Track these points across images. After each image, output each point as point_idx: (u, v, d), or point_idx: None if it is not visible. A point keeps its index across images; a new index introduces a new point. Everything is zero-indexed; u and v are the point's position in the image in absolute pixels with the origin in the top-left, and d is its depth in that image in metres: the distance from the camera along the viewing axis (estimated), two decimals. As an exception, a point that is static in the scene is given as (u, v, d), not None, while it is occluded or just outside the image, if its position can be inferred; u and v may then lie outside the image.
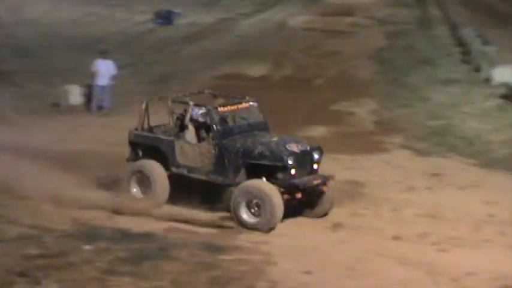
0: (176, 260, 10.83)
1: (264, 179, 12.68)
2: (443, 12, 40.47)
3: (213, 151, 13.06)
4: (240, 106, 13.70)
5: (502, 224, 12.88)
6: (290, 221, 12.88)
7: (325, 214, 13.20)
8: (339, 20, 38.87)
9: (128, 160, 14.03)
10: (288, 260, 11.10)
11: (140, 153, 13.88)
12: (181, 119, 13.73)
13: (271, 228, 12.33)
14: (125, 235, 11.83)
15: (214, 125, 13.14)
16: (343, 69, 27.91)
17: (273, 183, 12.58)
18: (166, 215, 12.94)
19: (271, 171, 12.77)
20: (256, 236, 12.17)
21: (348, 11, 41.31)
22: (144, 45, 31.98)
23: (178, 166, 13.44)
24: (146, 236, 11.86)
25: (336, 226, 12.90)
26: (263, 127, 13.73)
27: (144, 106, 13.87)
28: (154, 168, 13.46)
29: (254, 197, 12.40)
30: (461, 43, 31.53)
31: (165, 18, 37.59)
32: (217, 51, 31.03)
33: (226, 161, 12.98)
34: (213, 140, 13.13)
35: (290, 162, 12.65)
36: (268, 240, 12.02)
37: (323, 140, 18.67)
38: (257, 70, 27.49)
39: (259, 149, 12.82)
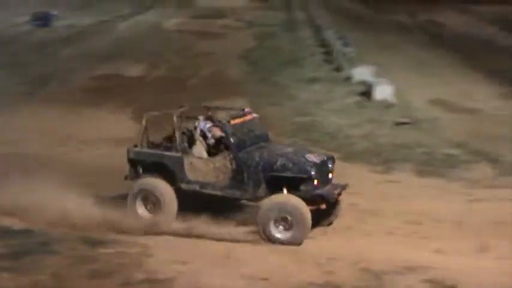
0: (56, 254, 10.61)
1: (285, 191, 11.76)
2: (307, 16, 41.17)
3: (230, 165, 12.03)
4: (246, 118, 12.74)
5: (363, 212, 13.19)
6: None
7: (331, 223, 12.54)
8: (211, 23, 39.05)
9: (127, 179, 12.78)
10: (164, 251, 11.02)
11: (140, 171, 12.69)
12: (187, 134, 12.67)
13: (302, 241, 11.61)
14: (5, 232, 11.50)
15: (230, 139, 12.12)
16: (216, 69, 28.02)
17: (297, 195, 11.69)
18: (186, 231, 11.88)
19: (293, 183, 11.82)
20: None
21: (219, 14, 41.59)
22: (22, 46, 31.25)
23: (188, 182, 12.29)
24: (27, 232, 11.55)
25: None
26: (266, 138, 12.85)
27: (143, 122, 12.70)
28: (162, 186, 12.33)
29: (284, 213, 11.45)
30: (324, 44, 32.15)
31: (43, 20, 36.81)
32: (96, 52, 30.67)
33: (245, 174, 11.97)
34: (229, 154, 12.10)
35: (313, 173, 11.79)
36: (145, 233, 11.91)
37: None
38: (134, 70, 27.32)
39: (281, 161, 11.91)
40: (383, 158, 17.17)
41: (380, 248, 11.26)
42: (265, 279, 10.03)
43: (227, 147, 12.18)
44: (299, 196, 11.63)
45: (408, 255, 10.85)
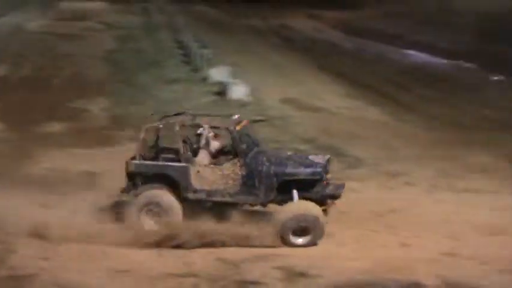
0: None
1: (296, 193, 11.43)
2: (166, 19, 41.04)
3: (240, 172, 11.56)
4: (242, 125, 12.17)
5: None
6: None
7: None
8: (73, 25, 38.29)
9: (124, 192, 11.96)
10: (28, 247, 10.71)
11: (139, 184, 11.76)
12: (189, 143, 12.05)
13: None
14: None
15: (241, 146, 11.68)
16: (78, 70, 27.46)
17: (307, 197, 11.43)
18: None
19: (303, 185, 11.53)
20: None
21: (81, 16, 40.86)
22: None
23: (195, 191, 11.61)
24: None
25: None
26: (258, 143, 12.35)
27: (142, 134, 11.85)
28: (168, 197, 11.57)
29: (303, 223, 11.07)
30: (182, 47, 32.12)
31: None
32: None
33: (256, 180, 11.53)
34: (239, 160, 11.60)
35: (324, 174, 11.64)
36: (7, 229, 11.34)
37: (61, 135, 18.38)
38: (-4, 71, 26.49)
39: (292, 165, 11.65)
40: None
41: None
42: (126, 271, 9.95)
43: (235, 154, 11.71)
44: (310, 198, 11.42)
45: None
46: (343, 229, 11.76)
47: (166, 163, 11.72)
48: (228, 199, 11.61)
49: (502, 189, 14.48)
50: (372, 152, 17.38)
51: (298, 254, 10.62)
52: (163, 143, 11.86)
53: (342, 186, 12.06)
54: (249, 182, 11.53)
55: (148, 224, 11.50)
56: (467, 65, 31.76)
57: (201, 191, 11.58)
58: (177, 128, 11.73)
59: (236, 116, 12.52)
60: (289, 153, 12.52)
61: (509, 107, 23.44)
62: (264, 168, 11.54)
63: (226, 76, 24.47)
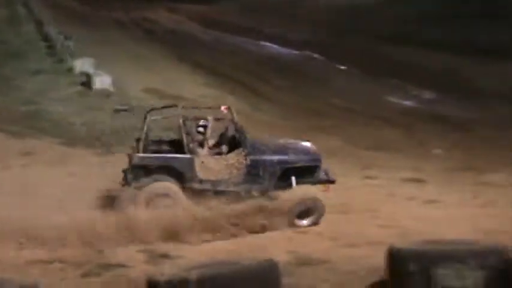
0: None
1: (294, 180, 11.42)
2: (29, 11, 39.74)
3: (245, 161, 11.39)
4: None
5: (81, 191, 12.72)
6: None
7: None
8: None
9: (126, 185, 11.42)
10: None
11: (142, 176, 11.31)
12: (191, 133, 11.62)
13: None
14: None
15: (244, 137, 11.57)
16: None
17: (307, 182, 11.48)
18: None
19: (301, 171, 11.58)
20: None
21: None
22: None
23: (200, 182, 11.33)
24: None
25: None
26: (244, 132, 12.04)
27: (144, 128, 11.57)
28: (175, 188, 11.18)
29: (308, 206, 11.18)
30: (46, 38, 31.23)
31: None
32: None
33: (260, 169, 11.45)
34: (244, 150, 11.43)
35: (321, 159, 11.82)
36: None
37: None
38: None
39: (292, 153, 11.72)
40: (103, 142, 17.11)
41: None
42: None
43: (239, 145, 11.51)
44: (310, 183, 11.48)
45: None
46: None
47: (171, 155, 11.49)
48: (232, 188, 11.46)
49: (350, 172, 14.96)
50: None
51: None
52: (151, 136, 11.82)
53: (329, 170, 12.17)
54: (253, 171, 11.47)
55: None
56: (315, 55, 32.55)
57: (206, 181, 11.38)
58: (181, 120, 11.51)
59: (223, 107, 12.13)
60: (282, 140, 12.47)
61: (354, 95, 24.25)
62: (268, 157, 11.54)
63: (90, 67, 24.05)
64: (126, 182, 11.54)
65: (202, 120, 11.91)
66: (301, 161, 11.77)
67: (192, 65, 28.54)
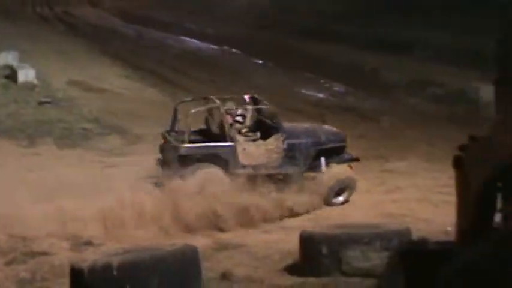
0: None
1: (324, 160, 11.81)
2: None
3: (282, 145, 11.72)
4: None
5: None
6: None
7: None
8: None
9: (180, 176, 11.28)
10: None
11: (188, 165, 11.42)
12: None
13: None
14: None
15: (280, 123, 11.98)
16: None
17: (335, 162, 11.83)
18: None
19: (330, 152, 11.97)
20: None
21: None
22: None
23: (243, 167, 11.56)
24: None
25: None
26: None
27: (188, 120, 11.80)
28: (221, 174, 11.40)
29: (343, 184, 11.70)
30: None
31: None
32: None
33: (296, 152, 11.77)
34: (282, 135, 11.79)
35: (346, 140, 12.37)
36: None
37: None
38: None
39: (324, 135, 12.19)
40: (27, 134, 16.72)
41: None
42: None
43: (276, 130, 11.86)
44: (338, 162, 11.83)
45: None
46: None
47: (215, 144, 11.66)
48: (272, 171, 11.76)
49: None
50: (151, 129, 17.33)
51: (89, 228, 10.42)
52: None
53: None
54: (290, 153, 11.79)
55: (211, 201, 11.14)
56: (233, 50, 32.55)
57: (248, 166, 11.63)
58: (223, 110, 11.74)
59: (247, 96, 12.61)
60: (307, 124, 12.85)
61: (270, 88, 24.35)
62: (303, 140, 11.91)
63: (14, 60, 23.37)
64: (168, 172, 11.52)
65: (239, 110, 12.28)
66: (331, 142, 12.21)
67: (114, 59, 28.08)
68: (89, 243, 9.84)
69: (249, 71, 27.83)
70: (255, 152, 11.81)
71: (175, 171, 11.42)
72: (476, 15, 26.18)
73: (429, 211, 11.22)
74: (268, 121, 12.11)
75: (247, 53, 31.40)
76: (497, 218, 4.16)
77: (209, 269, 8.40)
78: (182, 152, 11.60)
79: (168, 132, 12.15)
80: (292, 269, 8.44)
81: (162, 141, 12.32)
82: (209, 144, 11.76)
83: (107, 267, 7.29)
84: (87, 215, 10.38)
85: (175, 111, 12.36)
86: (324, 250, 7.92)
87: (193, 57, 30.46)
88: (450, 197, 4.45)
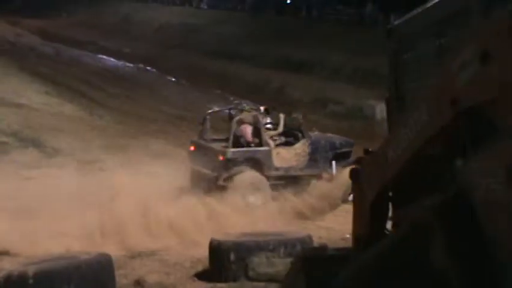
0: None
1: (334, 163, 12.25)
2: None
3: (308, 150, 12.32)
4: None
5: None
6: None
7: None
8: None
9: (221, 181, 11.84)
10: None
11: (231, 168, 11.97)
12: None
13: None
14: None
15: (305, 130, 12.72)
16: None
17: (343, 165, 11.81)
18: None
19: (343, 156, 12.45)
20: None
21: None
22: None
23: (276, 169, 12.17)
24: None
25: None
26: None
27: (233, 124, 12.31)
28: (261, 177, 12.00)
29: None
30: None
31: None
32: None
33: (318, 155, 12.36)
34: (307, 140, 12.47)
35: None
36: None
37: None
38: None
39: (337, 141, 12.86)
40: None
41: None
42: None
43: (302, 136, 12.51)
44: (344, 166, 11.68)
45: None
46: (41, 209, 11.19)
47: (255, 148, 12.26)
48: (299, 173, 12.28)
49: (178, 171, 14.89)
50: (68, 143, 16.96)
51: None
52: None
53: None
54: (313, 157, 12.37)
55: (253, 199, 11.72)
56: (148, 68, 32.29)
57: (281, 168, 12.18)
58: (261, 117, 12.51)
59: (262, 107, 13.45)
60: (316, 132, 13.31)
61: (181, 103, 24.28)
62: (323, 145, 12.54)
63: None
64: (220, 178, 11.92)
65: (267, 118, 12.95)
66: (344, 147, 12.85)
67: (32, 75, 27.26)
68: (5, 252, 9.44)
69: (163, 88, 27.67)
70: (286, 155, 12.40)
71: (219, 174, 11.98)
72: (372, 36, 26.91)
73: (330, 220, 11.41)
74: (294, 128, 12.77)
75: (160, 71, 31.22)
76: (388, 225, 4.25)
77: (123, 276, 8.23)
78: (229, 155, 12.09)
79: (200, 140, 12.86)
80: (202, 275, 8.38)
81: (192, 148, 12.95)
82: (250, 149, 12.35)
83: (22, 277, 7.06)
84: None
85: (205, 120, 13.11)
86: (232, 257, 7.90)
87: (109, 74, 30.04)
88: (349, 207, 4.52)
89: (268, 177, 12.12)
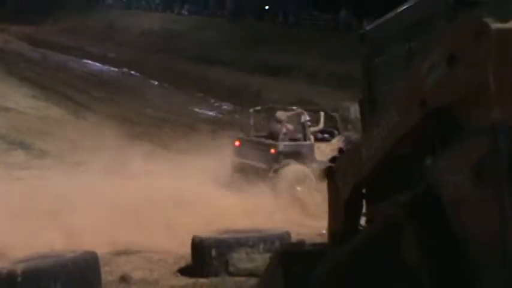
0: None
1: None
2: None
3: (340, 145, 12.11)
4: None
5: None
6: None
7: None
8: None
9: (273, 171, 12.38)
10: None
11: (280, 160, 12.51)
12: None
13: None
14: None
15: (340, 127, 13.23)
16: None
17: None
18: None
19: None
20: None
21: None
22: None
23: (317, 162, 12.27)
24: None
25: None
26: None
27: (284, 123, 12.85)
28: (307, 169, 12.40)
29: None
30: None
31: None
32: None
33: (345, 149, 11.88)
34: (341, 137, 12.89)
35: None
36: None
37: None
38: None
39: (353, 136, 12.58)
40: None
41: None
42: None
43: (338, 133, 13.09)
44: None
45: None
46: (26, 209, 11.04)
47: (300, 143, 12.78)
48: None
49: (163, 172, 14.80)
50: (56, 145, 16.80)
51: None
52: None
53: None
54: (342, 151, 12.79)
55: (300, 189, 12.15)
56: (132, 72, 32.13)
57: (320, 162, 12.05)
58: (304, 118, 12.92)
59: (295, 107, 13.83)
60: (348, 132, 13.42)
61: (165, 106, 24.18)
62: (352, 140, 12.21)
63: None
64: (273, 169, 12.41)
65: (306, 116, 13.19)
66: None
67: (20, 79, 27.00)
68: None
69: (147, 91, 27.55)
70: (325, 149, 12.60)
71: (270, 166, 12.50)
72: (347, 42, 26.97)
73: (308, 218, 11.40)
74: (331, 126, 13.28)
75: (144, 75, 31.08)
76: (362, 221, 4.25)
77: (109, 273, 8.17)
78: (280, 148, 12.65)
79: (246, 136, 13.42)
80: (184, 271, 8.35)
81: (238, 143, 13.48)
82: (297, 143, 12.87)
83: (11, 274, 6.99)
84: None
85: (250, 118, 13.90)
86: (213, 253, 7.88)
87: (94, 79, 29.85)
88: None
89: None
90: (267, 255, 7.04)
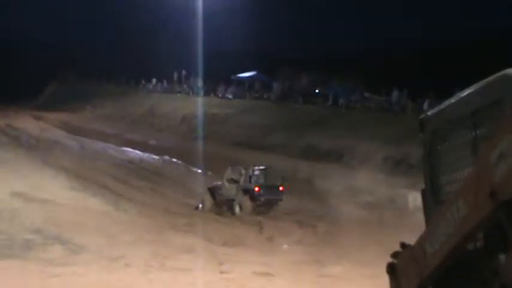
0: None
1: None
2: None
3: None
4: None
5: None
6: None
7: None
8: None
9: None
10: None
11: None
12: None
13: None
14: None
15: None
16: None
17: None
18: None
19: None
20: None
21: None
22: None
23: None
24: None
25: None
26: None
27: None
28: None
29: None
30: None
31: None
32: None
33: None
34: None
35: None
36: None
37: None
38: None
39: None
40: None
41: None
42: None
43: None
44: None
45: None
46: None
47: None
48: None
49: (206, 266, 14.86)
50: (94, 239, 17.01)
51: None
52: None
53: None
54: None
55: None
56: (174, 159, 32.65)
57: None
58: None
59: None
60: None
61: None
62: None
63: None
64: None
65: None
66: None
67: (56, 169, 27.66)
68: None
69: (189, 180, 27.86)
70: None
71: None
72: (401, 124, 27.06)
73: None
74: None
75: (186, 162, 31.53)
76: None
77: None
78: None
79: None
80: None
81: None
82: None
83: None
84: None
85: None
86: None
87: (134, 167, 30.39)
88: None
89: None
90: None
